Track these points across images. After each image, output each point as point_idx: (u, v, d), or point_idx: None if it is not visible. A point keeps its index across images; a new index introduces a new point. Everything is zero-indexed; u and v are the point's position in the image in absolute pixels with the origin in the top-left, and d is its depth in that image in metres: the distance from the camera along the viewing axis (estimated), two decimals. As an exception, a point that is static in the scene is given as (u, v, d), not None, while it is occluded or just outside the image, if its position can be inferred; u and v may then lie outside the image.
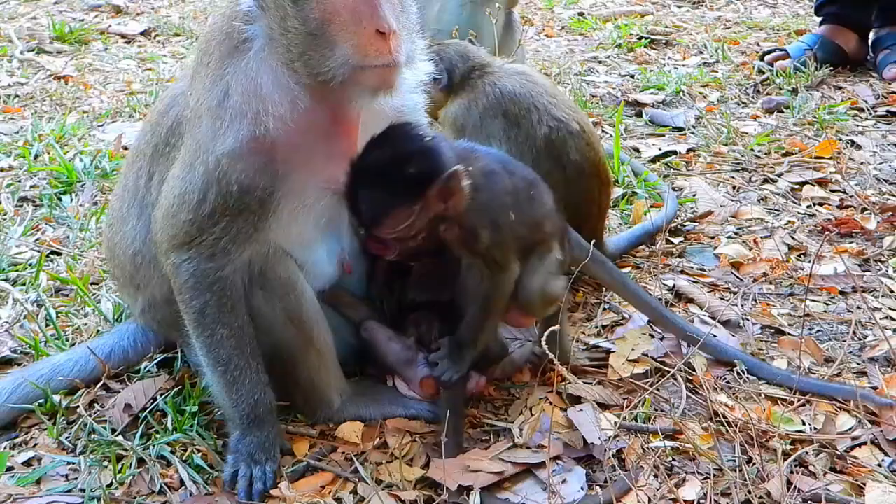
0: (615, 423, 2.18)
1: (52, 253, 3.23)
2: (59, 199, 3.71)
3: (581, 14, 7.08)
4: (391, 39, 1.91)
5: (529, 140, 2.77)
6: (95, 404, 2.39)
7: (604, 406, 2.32)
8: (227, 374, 2.13)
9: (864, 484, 2.05)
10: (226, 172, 2.00)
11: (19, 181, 3.90)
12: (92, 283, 2.98)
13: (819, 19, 5.53)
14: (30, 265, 3.13)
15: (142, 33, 6.80)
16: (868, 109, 4.66)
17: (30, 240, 3.35)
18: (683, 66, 5.61)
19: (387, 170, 2.06)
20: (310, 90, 2.00)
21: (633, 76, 5.41)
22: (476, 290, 2.24)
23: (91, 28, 6.80)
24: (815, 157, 4.00)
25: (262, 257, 2.14)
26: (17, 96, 5.16)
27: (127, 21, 7.18)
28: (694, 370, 2.43)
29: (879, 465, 2.13)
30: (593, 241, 2.40)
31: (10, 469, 2.17)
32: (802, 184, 3.77)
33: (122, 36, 6.74)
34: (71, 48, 6.35)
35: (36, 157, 4.15)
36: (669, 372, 2.29)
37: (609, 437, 2.14)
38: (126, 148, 4.26)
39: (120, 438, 2.23)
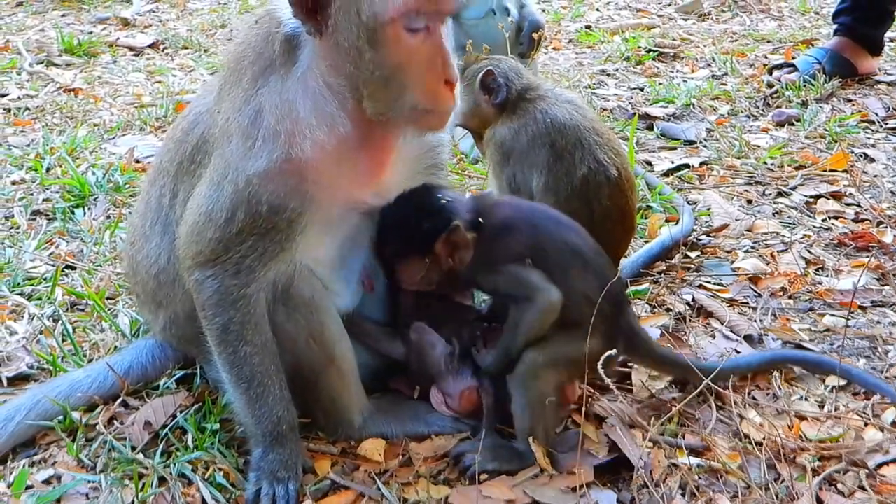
0: (644, 439, 2.15)
1: (67, 267, 3.22)
2: (72, 213, 3.71)
3: (588, 27, 7.08)
4: (455, 88, 2.01)
5: (569, 176, 2.72)
6: (115, 421, 2.37)
7: (631, 424, 2.29)
8: (250, 391, 2.12)
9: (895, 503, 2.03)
10: (256, 192, 1.99)
11: (32, 194, 3.89)
12: (108, 298, 2.97)
13: (832, 29, 5.53)
14: (44, 279, 3.12)
15: (150, 46, 6.80)
16: (879, 122, 4.65)
17: (44, 254, 3.34)
18: (692, 78, 5.61)
19: (401, 225, 2.25)
20: (354, 118, 2.01)
21: (642, 89, 5.41)
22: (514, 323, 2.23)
23: (99, 40, 6.81)
24: (829, 170, 3.99)
25: (286, 275, 2.13)
26: (27, 109, 5.16)
27: (135, 34, 7.18)
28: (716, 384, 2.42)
29: (909, 484, 2.11)
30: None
31: (29, 487, 2.15)
32: (817, 197, 3.76)
33: (131, 48, 6.75)
34: (80, 61, 6.37)
35: (48, 170, 4.14)
36: (696, 389, 2.26)
37: (647, 453, 2.12)
38: (138, 161, 4.28)
39: (140, 456, 2.21)
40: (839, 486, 2.09)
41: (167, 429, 2.31)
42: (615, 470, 2.16)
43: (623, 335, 2.27)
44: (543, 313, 2.18)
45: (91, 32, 7.18)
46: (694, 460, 2.15)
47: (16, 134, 4.75)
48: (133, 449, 2.25)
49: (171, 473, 2.16)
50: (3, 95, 5.47)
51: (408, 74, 1.97)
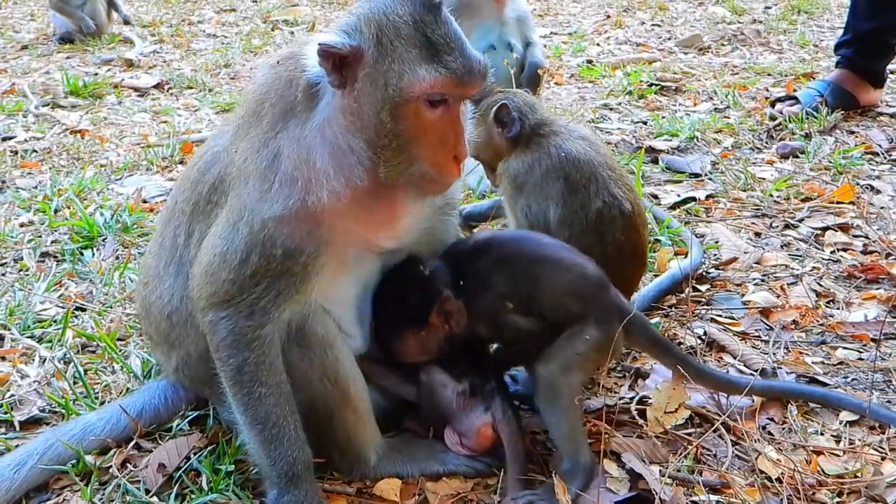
0: (664, 476, 2.14)
1: (77, 308, 3.22)
2: (81, 254, 3.71)
3: (590, 62, 7.15)
4: (462, 162, 2.06)
5: (584, 209, 2.73)
6: (128, 464, 2.36)
7: (650, 460, 2.28)
8: (265, 431, 2.11)
9: (915, 537, 2.01)
10: (271, 235, 2.01)
11: (40, 236, 3.90)
12: (119, 339, 2.96)
13: (833, 61, 5.58)
14: (54, 321, 3.12)
15: (155, 86, 6.87)
16: (882, 153, 4.68)
17: (53, 296, 3.34)
18: (695, 112, 5.65)
19: (392, 305, 2.31)
20: (369, 172, 2.01)
21: (645, 122, 5.44)
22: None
23: (104, 82, 6.89)
24: (835, 202, 4.00)
25: (300, 315, 2.13)
26: (34, 151, 5.20)
27: (140, 74, 7.26)
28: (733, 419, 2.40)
29: (929, 518, 2.09)
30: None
31: (44, 533, 2.13)
32: (824, 229, 3.77)
33: (136, 89, 6.81)
34: (85, 102, 6.43)
35: (56, 211, 4.16)
36: (713, 425, 2.25)
37: (668, 489, 2.11)
38: (146, 201, 4.30)
39: (155, 500, 2.20)
40: (860, 521, 2.07)
41: (181, 471, 2.30)
42: (634, 507, 2.15)
43: (615, 315, 2.31)
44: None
45: (96, 74, 7.26)
46: (713, 497, 2.13)
47: (23, 176, 4.78)
48: (147, 492, 2.23)
49: (186, 517, 2.14)
50: (10, 138, 5.51)
51: (422, 147, 2.01)
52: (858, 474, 2.23)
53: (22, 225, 4.05)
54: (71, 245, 3.78)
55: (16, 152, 5.17)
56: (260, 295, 2.04)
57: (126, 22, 9.19)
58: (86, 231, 3.87)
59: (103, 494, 2.25)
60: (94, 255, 3.72)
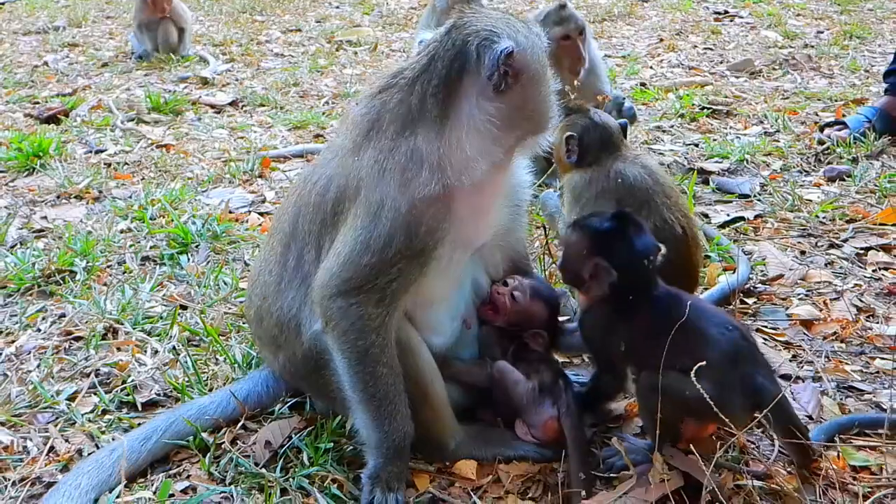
0: (711, 462, 2.40)
1: (179, 307, 3.58)
2: (178, 259, 4.09)
3: (643, 84, 7.40)
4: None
5: None
6: (238, 441, 2.70)
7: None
8: (382, 408, 2.41)
9: (940, 525, 2.26)
10: (419, 215, 2.33)
11: (139, 242, 4.29)
12: (220, 335, 3.31)
13: (882, 87, 5.77)
14: (161, 318, 3.49)
15: (230, 104, 7.29)
16: (928, 179, 4.87)
17: (157, 295, 3.71)
18: (745, 135, 5.88)
19: (585, 224, 2.62)
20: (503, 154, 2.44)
21: (697, 145, 5.69)
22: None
23: (183, 99, 7.32)
24: (879, 224, 4.22)
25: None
26: (125, 164, 5.63)
27: (215, 92, 7.70)
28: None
29: (953, 509, 2.33)
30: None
31: (170, 496, 2.47)
32: (867, 249, 4.00)
33: (212, 106, 7.25)
34: (166, 118, 6.88)
35: (152, 219, 4.55)
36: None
37: (717, 475, 2.37)
38: (231, 212, 4.66)
39: (264, 471, 2.52)
40: (889, 509, 2.33)
41: (284, 448, 2.63)
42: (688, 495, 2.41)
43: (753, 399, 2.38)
44: (601, 390, 2.70)
45: (174, 91, 7.70)
46: (757, 483, 2.40)
47: (118, 187, 5.20)
48: (256, 464, 2.57)
49: (291, 486, 2.47)
50: (102, 151, 5.96)
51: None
52: (890, 469, 2.47)
53: (122, 231, 4.45)
54: (168, 250, 4.17)
55: (109, 164, 5.61)
56: (393, 277, 2.35)
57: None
58: (181, 238, 4.25)
59: (218, 466, 2.59)
60: (189, 259, 4.09)
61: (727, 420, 2.26)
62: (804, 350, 3.16)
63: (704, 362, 2.25)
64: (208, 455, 2.61)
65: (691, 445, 2.36)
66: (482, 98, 2.37)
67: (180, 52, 9.18)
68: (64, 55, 9.66)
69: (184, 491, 2.51)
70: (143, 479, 2.58)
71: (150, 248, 4.24)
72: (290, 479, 2.50)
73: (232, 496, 2.45)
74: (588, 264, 2.53)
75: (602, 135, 3.23)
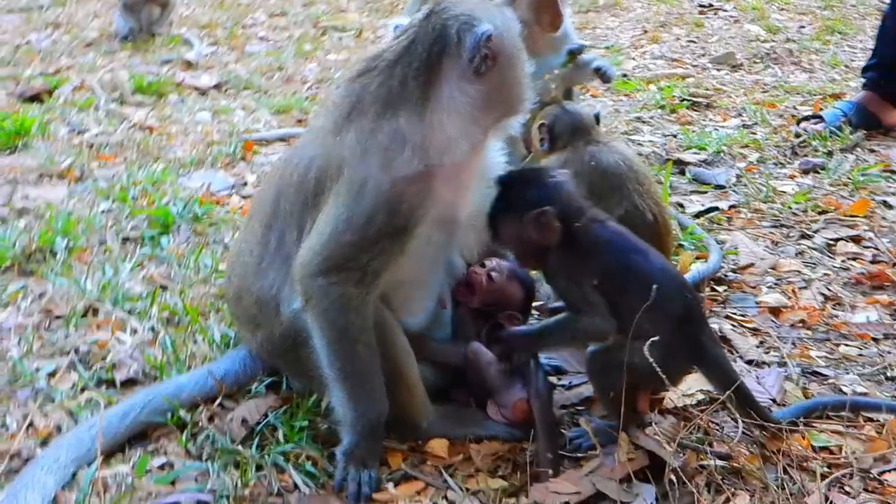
0: (675, 442, 2.48)
1: (160, 287, 3.62)
2: (159, 240, 4.12)
3: (625, 75, 7.45)
4: None
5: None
6: (215, 419, 2.75)
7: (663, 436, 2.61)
8: (359, 386, 2.48)
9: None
10: (401, 193, 2.38)
11: (120, 222, 4.32)
12: (200, 315, 3.35)
13: (860, 82, 5.87)
14: (141, 298, 3.52)
15: (214, 87, 7.29)
16: (900, 172, 4.97)
17: (138, 275, 3.75)
18: (724, 127, 5.96)
19: (509, 193, 2.60)
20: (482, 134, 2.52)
21: (675, 136, 5.76)
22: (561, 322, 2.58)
23: (167, 81, 7.30)
24: (849, 216, 4.31)
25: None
26: (108, 145, 5.63)
27: (199, 75, 7.67)
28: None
29: (908, 489, 2.42)
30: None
31: (147, 471, 2.52)
32: (837, 240, 4.08)
33: (196, 89, 7.23)
34: (150, 100, 6.86)
35: (134, 200, 4.58)
36: (719, 399, 2.59)
37: (680, 455, 2.46)
38: (213, 195, 4.70)
39: (240, 448, 2.58)
40: (846, 488, 2.40)
41: (260, 425, 2.68)
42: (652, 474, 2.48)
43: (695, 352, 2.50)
44: (585, 332, 2.54)
45: (158, 73, 7.67)
46: (719, 462, 2.48)
47: (100, 167, 5.21)
48: (233, 441, 2.62)
49: (266, 463, 2.53)
50: (84, 132, 5.95)
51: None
52: (850, 450, 2.56)
53: (103, 212, 4.46)
54: (149, 231, 4.19)
55: (91, 145, 5.60)
56: (374, 256, 2.40)
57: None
58: (162, 219, 4.28)
59: (195, 443, 2.64)
60: (170, 241, 4.12)
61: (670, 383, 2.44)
62: (771, 336, 3.24)
63: (657, 337, 2.34)
64: (185, 432, 2.66)
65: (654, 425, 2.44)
66: (462, 80, 2.44)
67: (166, 33, 9.16)
68: (48, 34, 9.61)
69: (161, 467, 2.56)
70: (121, 455, 2.62)
71: (132, 228, 4.26)
72: (266, 456, 2.55)
73: (208, 472, 2.50)
74: (528, 226, 2.53)
75: (572, 121, 3.31)
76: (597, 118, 3.40)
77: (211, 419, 2.75)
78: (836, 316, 3.38)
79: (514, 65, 2.54)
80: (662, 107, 6.42)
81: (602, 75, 4.54)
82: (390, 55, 2.51)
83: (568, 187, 2.64)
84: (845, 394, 2.87)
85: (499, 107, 2.54)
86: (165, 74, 7.67)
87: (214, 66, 8.12)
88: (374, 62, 2.54)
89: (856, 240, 4.09)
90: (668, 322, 2.42)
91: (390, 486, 2.45)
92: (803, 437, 2.58)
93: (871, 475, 2.47)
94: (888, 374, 3.01)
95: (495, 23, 2.46)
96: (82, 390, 2.93)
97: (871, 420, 2.70)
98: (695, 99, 6.57)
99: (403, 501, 2.39)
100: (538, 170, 2.65)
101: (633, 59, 8.20)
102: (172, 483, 2.48)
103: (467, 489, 2.44)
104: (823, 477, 2.42)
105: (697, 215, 4.41)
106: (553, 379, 2.93)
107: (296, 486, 2.47)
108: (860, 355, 3.14)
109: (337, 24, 10.05)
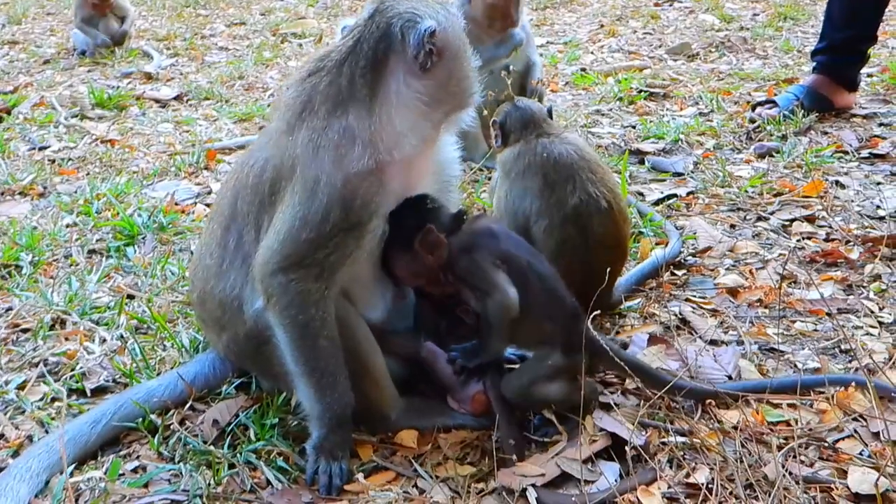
0: (636, 420, 2.55)
1: (127, 297, 3.64)
2: (125, 251, 4.13)
3: (583, 70, 7.56)
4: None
5: (560, 204, 3.13)
6: (186, 422, 2.78)
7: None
8: (323, 380, 2.51)
9: (847, 469, 2.43)
10: (354, 189, 2.43)
11: (85, 235, 4.33)
12: (168, 322, 3.38)
13: (811, 66, 6.00)
14: (108, 308, 3.54)
15: (175, 98, 7.29)
16: (852, 152, 5.07)
17: (104, 286, 3.76)
18: (681, 116, 6.06)
19: (393, 225, 2.63)
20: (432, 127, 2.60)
21: (634, 127, 5.86)
22: (483, 319, 2.66)
23: (127, 94, 7.31)
24: (804, 197, 4.42)
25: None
26: (70, 160, 5.64)
27: (159, 87, 7.69)
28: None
29: (860, 455, 2.50)
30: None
31: (120, 475, 2.55)
32: (792, 220, 4.19)
33: (157, 101, 7.24)
34: (111, 113, 6.87)
35: (98, 213, 4.59)
36: (676, 376, 2.66)
37: (642, 435, 2.54)
38: (177, 204, 4.72)
39: (212, 448, 2.61)
40: (801, 457, 2.49)
41: (232, 426, 2.72)
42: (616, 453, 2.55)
43: (585, 345, 2.60)
44: (501, 308, 2.61)
45: (118, 87, 7.67)
46: (680, 439, 2.55)
47: (63, 182, 5.21)
48: (205, 442, 2.65)
49: (238, 461, 2.56)
50: (46, 147, 5.95)
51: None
52: (804, 422, 2.64)
53: (67, 226, 4.48)
54: (115, 242, 4.21)
55: (53, 161, 5.61)
56: (330, 251, 2.44)
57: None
58: (127, 230, 4.30)
59: (167, 446, 2.67)
60: (135, 251, 4.14)
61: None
62: (729, 317, 3.32)
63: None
64: (157, 435, 2.69)
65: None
66: (409, 76, 2.50)
67: (125, 46, 9.14)
68: (4, 53, 9.56)
69: (134, 470, 2.59)
70: (93, 461, 2.65)
71: (97, 241, 4.28)
72: (238, 455, 2.59)
73: (181, 473, 2.54)
74: (420, 250, 2.64)
75: (523, 116, 3.37)
76: (549, 112, 3.46)
77: (182, 422, 2.78)
78: (792, 293, 3.48)
79: (460, 59, 2.60)
80: (621, 99, 6.52)
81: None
82: (338, 55, 2.57)
83: (437, 203, 2.74)
84: (799, 369, 2.96)
85: (447, 101, 2.60)
86: (126, 88, 7.68)
87: (175, 78, 8.14)
88: (323, 62, 2.59)
89: (810, 219, 4.19)
90: (563, 319, 2.62)
91: (361, 476, 2.49)
92: (757, 413, 2.66)
93: (826, 443, 2.55)
94: (842, 348, 3.10)
95: (438, 19, 2.51)
96: (53, 401, 2.95)
97: (821, 393, 2.78)
98: (652, 90, 6.68)
99: (374, 491, 2.44)
100: (408, 200, 2.67)
101: (592, 53, 8.32)
102: (146, 486, 2.51)
103: (437, 476, 2.50)
104: (780, 448, 2.50)
105: (657, 203, 4.49)
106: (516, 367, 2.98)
107: (268, 482, 2.50)
108: (815, 330, 3.23)
109: (296, 31, 10.08)
